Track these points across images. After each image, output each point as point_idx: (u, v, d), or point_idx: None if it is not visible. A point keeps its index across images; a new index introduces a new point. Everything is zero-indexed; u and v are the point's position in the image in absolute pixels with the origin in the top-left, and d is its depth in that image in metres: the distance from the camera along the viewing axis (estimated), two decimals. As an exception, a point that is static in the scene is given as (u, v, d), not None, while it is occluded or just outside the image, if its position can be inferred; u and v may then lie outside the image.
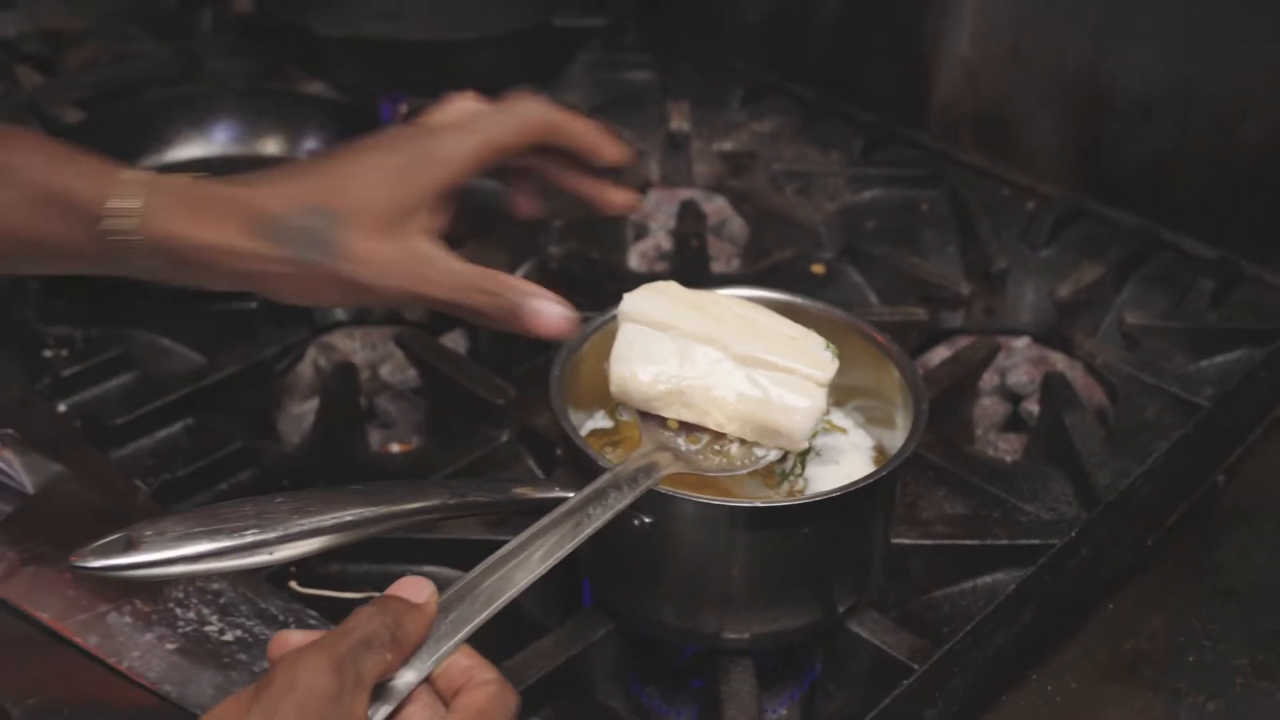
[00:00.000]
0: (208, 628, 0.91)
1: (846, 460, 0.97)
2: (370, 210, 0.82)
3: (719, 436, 0.88)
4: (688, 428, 0.89)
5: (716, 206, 1.57)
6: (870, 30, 1.70)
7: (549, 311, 0.86)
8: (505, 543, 0.75)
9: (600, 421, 0.98)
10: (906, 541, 1.01)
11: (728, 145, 1.66)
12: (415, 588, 0.70)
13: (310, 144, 1.47)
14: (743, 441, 0.88)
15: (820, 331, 0.91)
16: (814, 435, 0.96)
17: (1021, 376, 1.32)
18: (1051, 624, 0.94)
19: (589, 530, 0.78)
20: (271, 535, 0.73)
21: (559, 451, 1.04)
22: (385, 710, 0.67)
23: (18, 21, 1.80)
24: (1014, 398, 1.32)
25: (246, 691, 0.64)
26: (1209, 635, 0.96)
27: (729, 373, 0.87)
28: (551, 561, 0.75)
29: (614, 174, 0.96)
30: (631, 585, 0.91)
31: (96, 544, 0.70)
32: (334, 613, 0.88)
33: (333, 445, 1.11)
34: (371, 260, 0.82)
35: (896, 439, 0.94)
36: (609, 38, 1.82)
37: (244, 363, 1.19)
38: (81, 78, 1.69)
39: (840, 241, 1.44)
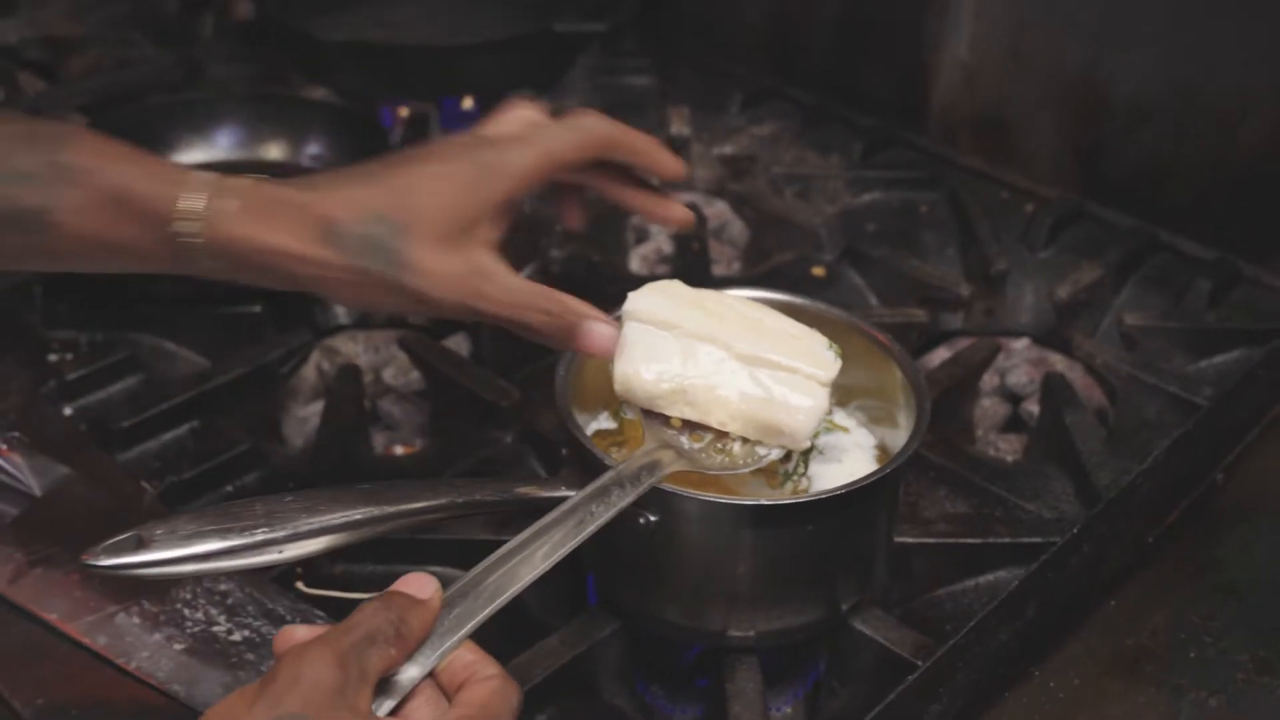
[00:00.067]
0: (215, 628, 0.92)
1: (849, 459, 0.97)
2: (434, 222, 0.82)
3: (722, 435, 0.89)
4: (691, 426, 0.89)
5: (717, 210, 1.58)
6: (869, 34, 1.71)
7: (603, 332, 0.86)
8: (510, 543, 0.75)
9: (605, 423, 0.98)
10: (909, 540, 1.02)
11: (728, 149, 1.67)
12: (419, 584, 0.71)
13: (313, 149, 1.47)
14: (745, 440, 0.89)
15: (823, 332, 0.91)
16: (816, 435, 0.97)
17: (1021, 377, 1.33)
18: (1054, 621, 0.94)
19: (592, 528, 0.78)
20: (281, 534, 0.74)
21: (564, 451, 1.04)
22: (389, 704, 0.67)
23: (19, 28, 1.81)
24: (1014, 398, 1.33)
25: (252, 685, 0.64)
26: (1210, 632, 0.97)
27: (732, 372, 0.87)
28: (555, 558, 0.76)
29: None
30: (637, 584, 0.91)
31: (108, 542, 0.71)
32: (340, 613, 0.88)
33: (338, 447, 1.11)
34: (433, 273, 0.82)
35: (899, 438, 0.95)
36: (608, 43, 1.83)
37: (249, 365, 1.20)
38: (83, 84, 1.70)
39: (840, 244, 1.45)
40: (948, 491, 1.12)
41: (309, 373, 1.31)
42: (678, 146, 1.63)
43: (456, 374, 1.19)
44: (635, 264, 1.50)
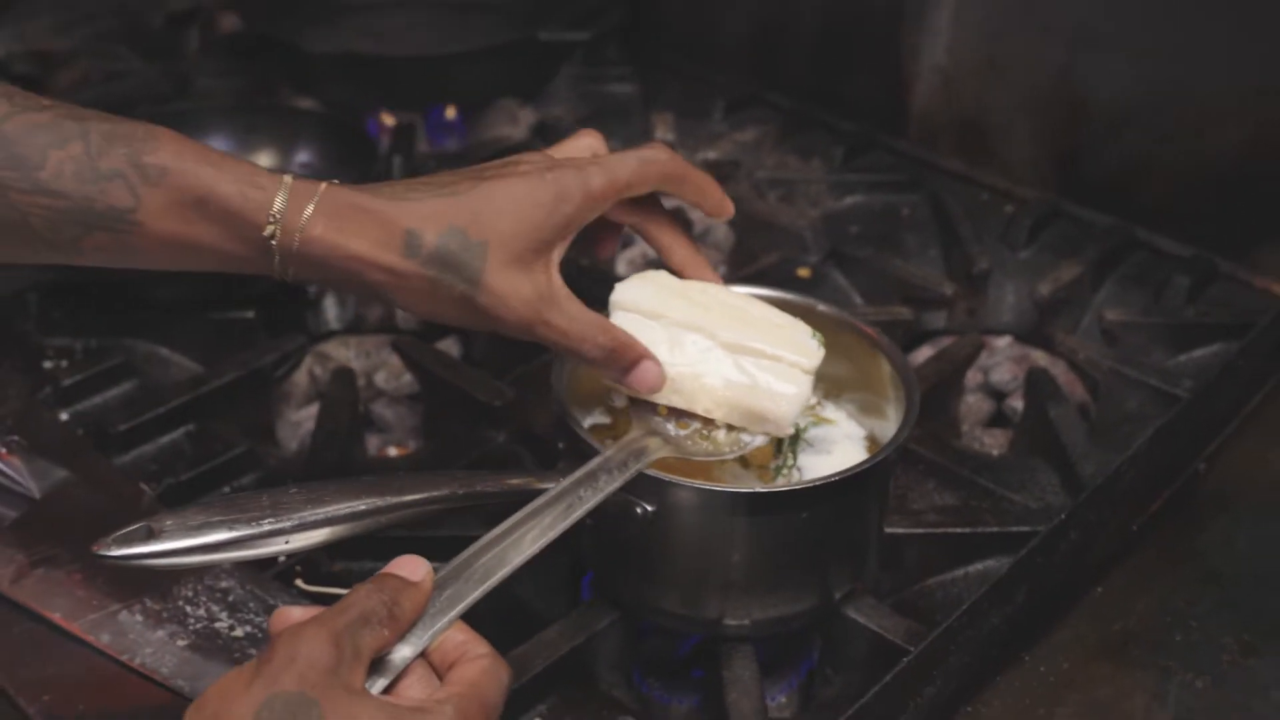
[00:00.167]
0: (217, 624, 0.93)
1: (839, 450, 0.99)
2: (512, 242, 0.82)
3: (708, 423, 0.91)
4: (677, 414, 0.91)
5: (701, 214, 1.59)
6: (849, 42, 1.74)
7: (654, 371, 0.88)
8: (505, 537, 0.77)
9: (599, 418, 1.00)
10: (900, 530, 1.04)
11: (711, 154, 1.69)
12: (411, 566, 0.73)
13: (302, 157, 1.49)
14: (730, 427, 0.91)
15: (814, 327, 0.93)
16: (805, 429, 0.99)
17: (1004, 374, 1.35)
18: (1043, 606, 0.96)
19: (580, 512, 0.80)
20: (287, 524, 0.75)
21: (560, 445, 1.06)
22: (382, 683, 0.69)
23: (7, 42, 1.82)
24: (998, 395, 1.35)
25: (249, 665, 0.66)
26: (1195, 616, 0.99)
27: (718, 360, 0.89)
28: (543, 542, 0.78)
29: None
30: (635, 574, 0.93)
31: (118, 533, 0.72)
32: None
33: (333, 449, 1.12)
34: (504, 293, 0.83)
35: (888, 429, 0.97)
36: (592, 51, 1.85)
37: (242, 370, 1.21)
38: (71, 97, 1.70)
39: (824, 246, 1.47)
40: (936, 484, 1.14)
41: (301, 378, 1.32)
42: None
43: (449, 375, 1.20)
44: (622, 268, 1.51)
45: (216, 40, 1.95)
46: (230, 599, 0.94)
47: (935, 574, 1.06)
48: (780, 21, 1.80)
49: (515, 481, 0.86)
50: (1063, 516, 0.97)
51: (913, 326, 1.35)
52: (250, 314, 1.28)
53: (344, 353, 1.34)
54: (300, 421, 1.27)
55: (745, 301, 0.94)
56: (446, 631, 0.72)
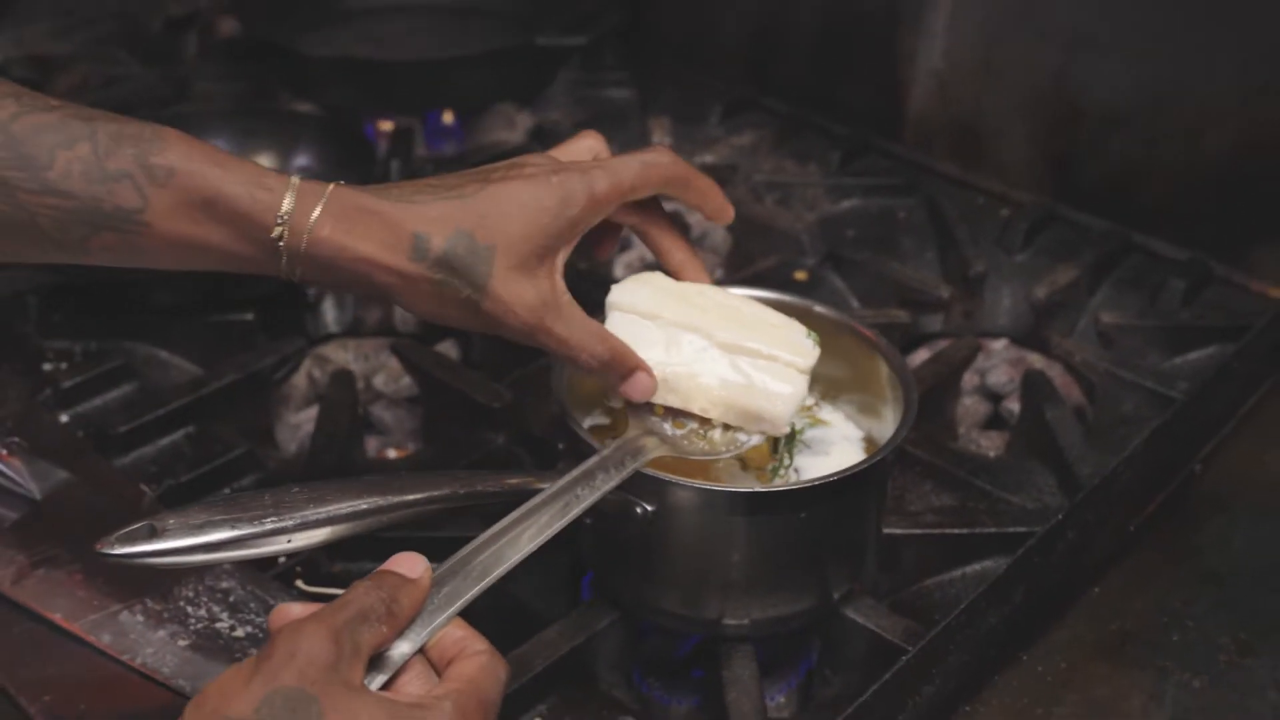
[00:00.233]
0: (218, 624, 0.93)
1: (837, 451, 1.00)
2: (517, 246, 0.83)
3: (704, 422, 0.92)
4: (673, 413, 0.92)
5: (699, 217, 1.60)
6: (845, 46, 1.74)
7: (647, 381, 0.89)
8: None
9: (598, 419, 1.01)
10: (897, 531, 1.04)
11: (708, 158, 1.69)
12: (410, 563, 0.73)
13: (301, 161, 1.49)
14: (726, 428, 0.92)
15: (812, 329, 0.94)
16: (802, 430, 0.99)
17: (1001, 377, 1.35)
18: (1040, 606, 0.97)
19: (577, 510, 0.81)
20: (289, 522, 0.75)
21: (560, 445, 1.07)
22: (381, 679, 0.69)
23: (6, 47, 1.82)
24: (994, 397, 1.36)
25: (249, 661, 0.66)
26: (1192, 616, 0.99)
27: (713, 359, 0.90)
28: (541, 539, 0.78)
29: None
30: (635, 574, 0.93)
31: (121, 532, 0.73)
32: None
33: (333, 451, 1.12)
34: (509, 298, 0.83)
35: (886, 431, 0.98)
36: (589, 56, 1.86)
37: (242, 372, 1.21)
38: (71, 101, 1.71)
39: (821, 249, 1.48)
40: (933, 485, 1.14)
41: (300, 380, 1.32)
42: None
43: (449, 378, 1.20)
44: (619, 271, 1.52)
45: (215, 45, 1.95)
46: (231, 599, 0.95)
47: (933, 575, 1.06)
48: (777, 26, 1.81)
49: (515, 481, 0.86)
50: (1060, 517, 0.97)
51: (909, 329, 1.36)
52: (249, 317, 1.29)
53: (343, 355, 1.35)
54: (299, 424, 1.28)
55: (741, 302, 0.94)
56: (445, 628, 0.73)
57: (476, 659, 0.72)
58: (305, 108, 1.71)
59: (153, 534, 0.72)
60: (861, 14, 1.71)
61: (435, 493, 0.82)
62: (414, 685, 0.70)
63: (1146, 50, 1.45)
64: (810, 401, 1.03)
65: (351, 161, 1.45)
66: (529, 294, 0.84)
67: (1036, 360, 1.37)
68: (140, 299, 1.29)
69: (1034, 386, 1.23)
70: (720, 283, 0.99)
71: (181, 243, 0.81)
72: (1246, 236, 1.42)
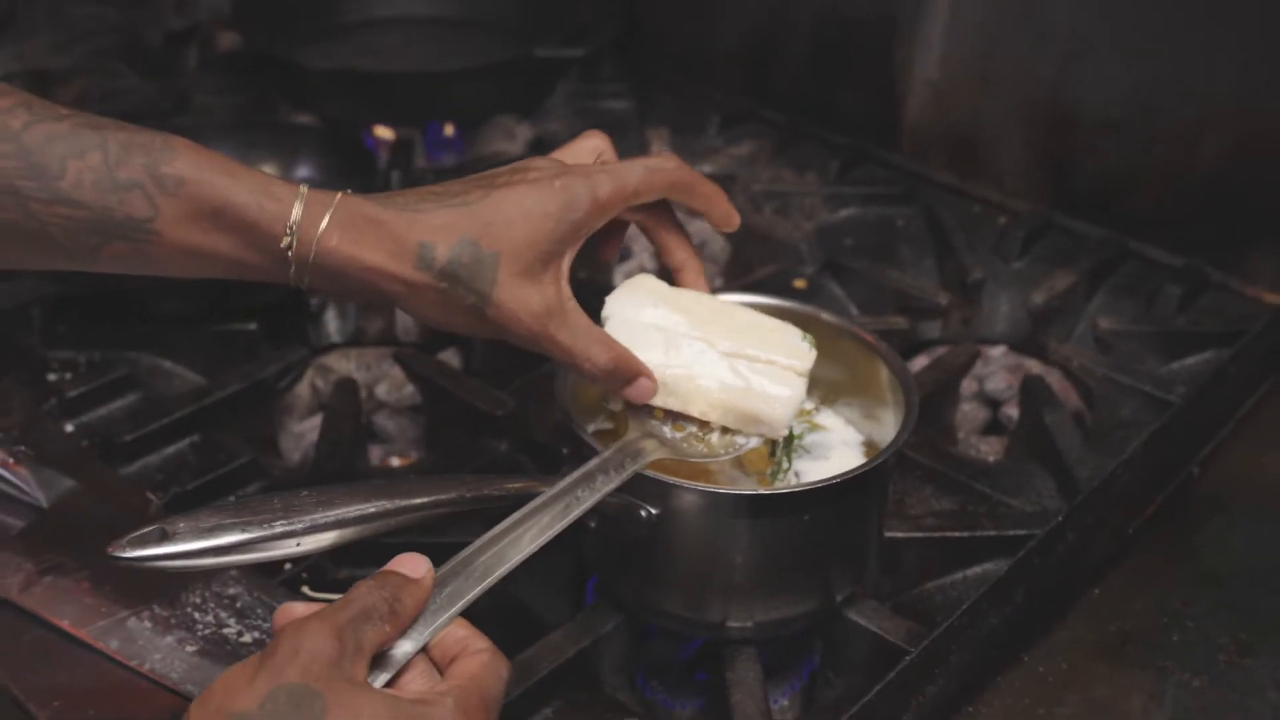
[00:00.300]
0: (225, 630, 0.94)
1: (837, 455, 1.01)
2: (522, 253, 0.83)
3: (703, 425, 0.92)
4: (673, 416, 0.92)
5: (698, 227, 1.60)
6: (842, 56, 1.75)
7: (648, 387, 0.89)
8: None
9: (601, 424, 1.01)
10: (899, 535, 1.05)
11: (707, 168, 1.70)
12: (412, 563, 0.74)
13: (302, 171, 1.50)
14: (724, 431, 0.92)
15: (811, 333, 0.95)
16: (801, 434, 1.00)
17: (999, 383, 1.36)
18: (1041, 607, 0.97)
19: (578, 511, 0.81)
20: (299, 526, 0.76)
21: (565, 450, 1.07)
22: (384, 677, 0.70)
23: (6, 61, 1.82)
24: (993, 403, 1.37)
25: (253, 659, 0.67)
26: (1191, 616, 1.00)
27: (712, 363, 0.91)
28: (542, 540, 0.79)
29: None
30: (639, 577, 0.94)
31: (132, 535, 0.73)
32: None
33: (337, 459, 1.13)
34: (513, 305, 0.84)
35: (886, 435, 0.98)
36: (588, 68, 1.87)
37: (246, 381, 1.22)
38: (71, 115, 1.72)
39: (820, 258, 1.48)
40: (933, 490, 1.15)
41: (303, 390, 1.33)
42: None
43: (452, 386, 1.21)
44: (619, 280, 1.52)
45: (214, 58, 1.96)
46: (238, 605, 0.95)
47: (934, 577, 1.07)
48: (774, 37, 1.82)
49: (519, 485, 0.86)
50: (1059, 519, 0.98)
51: (908, 336, 1.37)
52: (252, 326, 1.30)
53: (345, 365, 1.36)
54: (303, 433, 1.29)
55: (736, 308, 0.95)
56: (447, 628, 0.73)
57: (478, 657, 0.73)
58: (305, 120, 1.72)
59: (163, 537, 0.73)
60: (857, 24, 1.72)
61: (441, 496, 0.82)
62: (417, 683, 0.71)
63: (1141, 59, 1.47)
64: (810, 406, 1.04)
65: (352, 172, 1.46)
66: (534, 300, 0.85)
67: (1034, 366, 1.38)
68: (143, 309, 1.29)
69: (1032, 391, 1.24)
70: (718, 291, 1.00)
71: (191, 251, 0.82)
72: (1241, 242, 1.43)
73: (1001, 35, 1.58)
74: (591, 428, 1.00)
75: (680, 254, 0.96)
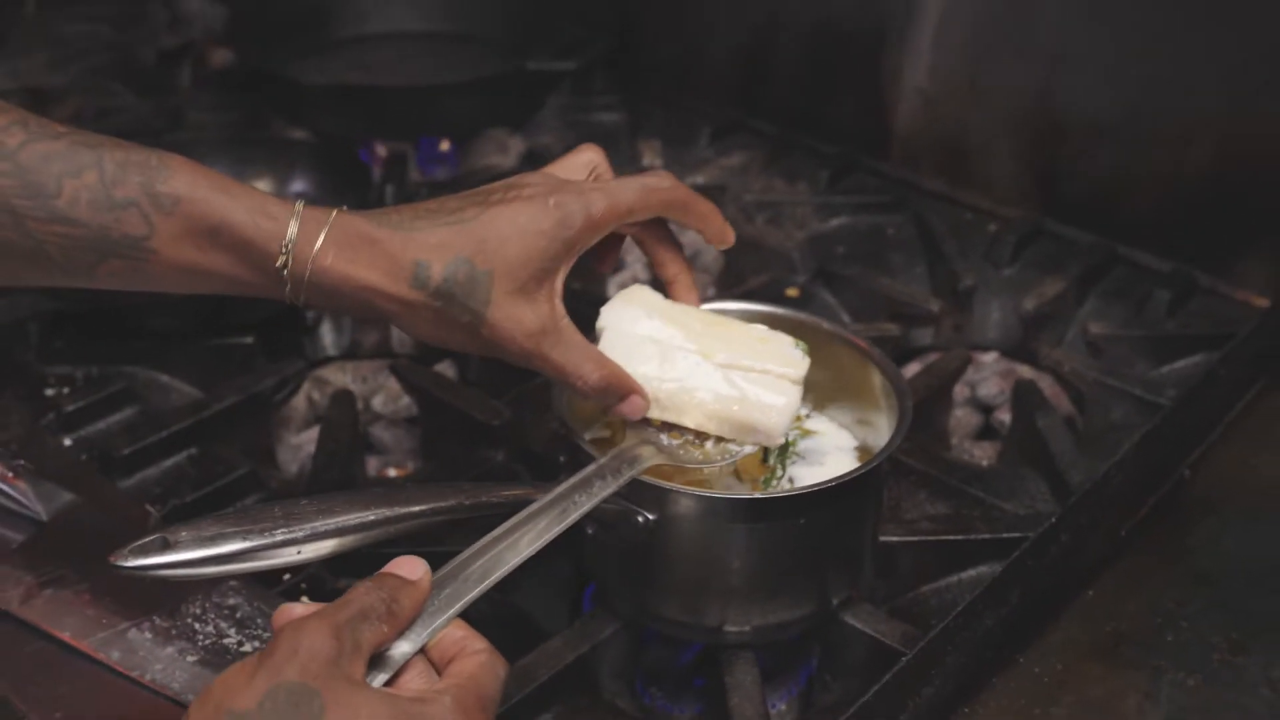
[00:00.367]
0: (226, 640, 0.94)
1: (831, 461, 1.01)
2: (516, 271, 0.84)
3: (699, 432, 0.93)
4: (670, 424, 0.93)
5: (691, 238, 1.60)
6: (831, 67, 1.77)
7: (640, 404, 0.90)
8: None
9: (598, 432, 1.02)
10: (894, 539, 1.06)
11: (699, 179, 1.71)
12: (410, 566, 0.75)
13: (297, 186, 1.50)
14: (720, 438, 0.93)
15: (805, 340, 0.96)
16: (795, 441, 1.01)
17: (992, 388, 1.37)
18: (1036, 609, 0.98)
19: (574, 516, 0.82)
20: (299, 534, 0.77)
21: (561, 459, 1.08)
22: (383, 678, 0.71)
23: (1, 79, 1.84)
24: (985, 409, 1.37)
25: (252, 658, 0.67)
26: (1185, 616, 1.00)
27: (707, 374, 0.91)
28: (539, 544, 0.80)
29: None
30: (637, 583, 0.94)
31: (135, 544, 0.74)
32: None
33: (335, 469, 1.14)
34: (508, 322, 0.85)
35: (880, 440, 0.99)
36: (579, 81, 1.88)
37: (243, 394, 1.23)
38: (67, 133, 1.72)
39: (812, 266, 1.49)
40: (928, 494, 1.16)
41: (300, 403, 1.34)
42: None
43: (447, 396, 1.22)
44: (613, 291, 1.52)
45: (208, 75, 1.97)
46: (238, 615, 0.96)
47: (929, 581, 1.08)
48: (763, 49, 1.83)
49: (517, 492, 0.87)
50: (1053, 521, 0.99)
51: (901, 343, 1.38)
52: (248, 340, 1.30)
53: (341, 377, 1.36)
54: (300, 445, 1.29)
55: (728, 320, 0.96)
56: (445, 629, 0.74)
57: (476, 657, 0.73)
58: (299, 135, 1.73)
59: (165, 546, 0.74)
60: (847, 34, 1.73)
61: (440, 504, 0.83)
62: (415, 683, 0.72)
63: (1128, 66, 1.48)
64: (804, 412, 1.05)
65: (347, 186, 1.47)
66: (528, 318, 0.86)
67: (1026, 371, 1.39)
68: (140, 324, 1.30)
69: (1025, 396, 1.25)
70: (711, 300, 1.01)
71: (187, 269, 0.83)
72: (1229, 247, 1.45)
73: (990, 44, 1.60)
74: (588, 436, 1.01)
75: (673, 268, 0.96)
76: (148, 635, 0.94)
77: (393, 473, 1.27)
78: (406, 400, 1.32)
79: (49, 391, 1.25)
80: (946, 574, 1.08)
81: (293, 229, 0.82)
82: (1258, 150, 1.41)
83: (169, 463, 1.17)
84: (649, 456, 0.89)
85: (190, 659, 0.92)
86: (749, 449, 0.93)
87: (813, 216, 1.62)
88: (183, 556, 0.74)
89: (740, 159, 1.77)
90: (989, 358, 1.43)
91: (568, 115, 1.86)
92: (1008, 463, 1.25)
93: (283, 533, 0.76)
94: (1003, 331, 1.44)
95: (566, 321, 0.88)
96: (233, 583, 0.97)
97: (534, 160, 1.70)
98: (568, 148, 1.66)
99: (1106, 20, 1.48)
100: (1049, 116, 1.56)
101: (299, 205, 0.83)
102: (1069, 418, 1.30)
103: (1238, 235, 1.44)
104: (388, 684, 0.71)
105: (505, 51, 1.85)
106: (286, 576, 1.03)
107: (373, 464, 1.29)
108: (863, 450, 1.03)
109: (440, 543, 1.00)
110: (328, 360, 1.39)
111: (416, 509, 0.82)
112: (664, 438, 0.93)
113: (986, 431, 1.36)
